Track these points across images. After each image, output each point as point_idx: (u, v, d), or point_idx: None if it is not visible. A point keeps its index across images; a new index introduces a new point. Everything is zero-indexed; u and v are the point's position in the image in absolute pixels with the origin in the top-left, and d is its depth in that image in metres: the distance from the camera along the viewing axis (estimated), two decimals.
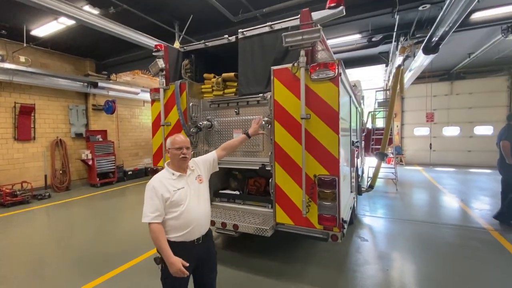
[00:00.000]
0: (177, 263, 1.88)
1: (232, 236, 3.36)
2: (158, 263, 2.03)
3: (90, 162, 9.37)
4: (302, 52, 2.79)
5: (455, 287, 3.16)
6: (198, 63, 4.24)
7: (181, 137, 2.17)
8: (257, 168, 3.56)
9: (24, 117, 8.17)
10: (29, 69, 7.75)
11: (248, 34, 3.57)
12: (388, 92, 12.53)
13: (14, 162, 8.03)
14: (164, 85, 3.85)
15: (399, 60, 8.23)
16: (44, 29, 7.07)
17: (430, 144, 12.26)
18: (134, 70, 10.83)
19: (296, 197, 3.00)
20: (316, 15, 2.97)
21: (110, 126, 10.63)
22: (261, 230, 3.10)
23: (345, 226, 2.92)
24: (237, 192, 4.08)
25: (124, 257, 4.03)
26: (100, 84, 9.51)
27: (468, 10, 4.56)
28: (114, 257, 4.06)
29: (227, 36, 3.73)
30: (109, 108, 9.95)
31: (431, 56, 7.18)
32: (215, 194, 4.16)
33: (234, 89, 3.77)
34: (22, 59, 7.54)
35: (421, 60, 7.74)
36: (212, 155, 2.51)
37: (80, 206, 7.37)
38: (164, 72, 3.79)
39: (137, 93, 10.93)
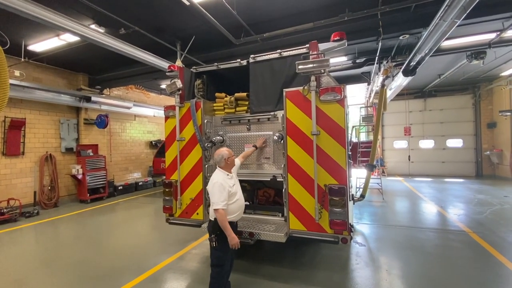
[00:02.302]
0: (236, 237, 2.83)
1: (247, 244, 3.58)
2: (213, 241, 2.88)
3: (80, 177, 9.15)
4: (313, 78, 3.23)
5: (443, 282, 3.58)
6: (209, 83, 4.57)
7: (230, 150, 3.21)
8: (269, 179, 3.88)
9: (13, 132, 7.95)
10: (22, 83, 7.66)
11: (259, 59, 3.99)
12: (369, 108, 13.52)
13: (1, 178, 7.71)
14: (179, 103, 4.13)
15: (380, 80, 9.07)
16: (43, 45, 7.11)
17: (409, 156, 13.19)
18: (128, 85, 10.91)
19: (308, 205, 3.34)
20: (322, 46, 3.45)
21: (101, 140, 10.50)
22: (277, 237, 3.38)
23: (353, 230, 3.28)
24: (247, 203, 4.33)
25: (118, 279, 3.89)
26: (93, 98, 9.48)
27: (442, 40, 5.32)
28: (107, 278, 3.93)
29: (239, 60, 4.13)
30: (102, 122, 9.89)
31: (410, 78, 8.05)
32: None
33: (245, 107, 4.13)
34: (17, 73, 7.46)
35: (400, 81, 8.60)
36: (238, 162, 3.48)
37: (70, 223, 7.11)
38: (180, 91, 4.07)
39: (129, 108, 10.96)
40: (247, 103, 4.12)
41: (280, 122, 3.74)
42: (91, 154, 9.75)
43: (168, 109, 4.28)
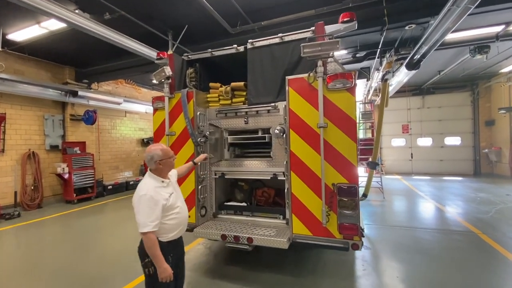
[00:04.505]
0: (169, 269, 2.12)
1: (245, 251, 3.21)
2: (148, 267, 2.16)
3: (66, 177, 8.63)
4: (320, 63, 2.85)
5: None
6: (202, 72, 4.16)
7: (168, 147, 2.45)
8: (268, 178, 3.50)
9: None
10: (2, 76, 7.12)
11: (257, 44, 3.60)
12: (366, 105, 13.25)
13: None
14: (169, 93, 3.71)
15: (380, 75, 8.77)
16: (23, 33, 6.57)
17: (411, 154, 12.94)
18: (118, 79, 10.38)
19: (314, 206, 2.97)
20: (329, 28, 3.08)
21: (89, 137, 9.97)
22: (278, 243, 3.00)
23: (364, 234, 2.93)
24: (244, 204, 3.96)
25: (105, 287, 3.58)
26: (80, 93, 8.95)
27: (452, 29, 5.01)
28: (93, 286, 3.61)
29: (235, 45, 3.73)
30: (90, 118, 9.36)
31: (413, 72, 7.76)
32: (220, 207, 4.00)
33: (242, 99, 3.74)
34: None
35: (402, 76, 8.32)
36: (176, 171, 2.74)
37: (54, 225, 6.67)
38: (169, 80, 3.65)
39: (119, 103, 10.44)
40: (244, 93, 3.73)
41: (281, 114, 3.37)
42: (78, 152, 9.22)
43: (157, 100, 3.86)
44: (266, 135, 3.58)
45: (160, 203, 2.15)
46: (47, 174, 8.71)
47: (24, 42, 7.05)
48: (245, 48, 3.69)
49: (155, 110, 3.90)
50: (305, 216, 3.01)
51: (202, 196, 3.68)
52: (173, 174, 2.57)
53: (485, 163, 13.06)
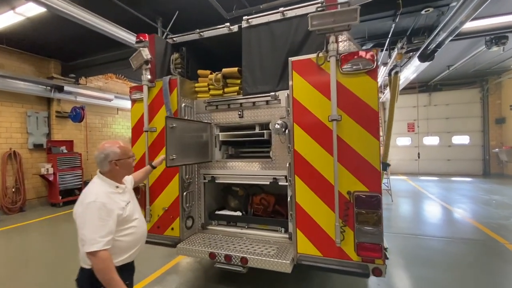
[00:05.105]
0: None
1: (238, 272, 2.61)
2: None
3: (51, 178, 8.04)
4: (333, 38, 2.25)
5: None
6: (190, 58, 3.56)
7: (127, 145, 1.95)
8: (268, 183, 2.90)
9: None
10: None
11: (254, 22, 3.01)
12: None
13: None
14: (149, 81, 3.11)
15: (387, 69, 8.18)
16: None
17: (418, 153, 12.32)
18: (107, 74, 9.77)
19: (324, 220, 2.37)
20: None
21: (77, 136, 9.37)
22: (280, 265, 2.41)
23: (388, 256, 2.33)
24: (239, 213, 3.36)
25: None
26: (66, 88, 8.35)
27: (473, 15, 4.44)
28: None
29: (228, 24, 3.13)
30: (77, 115, 8.76)
31: (423, 66, 7.17)
32: (210, 216, 3.41)
33: (236, 88, 3.14)
34: None
35: (412, 70, 7.73)
36: (132, 177, 2.18)
37: (37, 230, 6.14)
38: (149, 66, 3.06)
39: (110, 100, 9.84)
40: (239, 81, 3.13)
41: (283, 106, 2.77)
42: (65, 151, 8.62)
43: (135, 90, 3.26)
44: (265, 131, 2.99)
45: (114, 213, 1.64)
46: (30, 175, 8.10)
47: (2, 31, 6.44)
48: (240, 27, 3.10)
49: (134, 101, 3.30)
50: (313, 232, 2.41)
51: (188, 205, 3.08)
52: (128, 180, 2.03)
53: (495, 163, 12.47)
